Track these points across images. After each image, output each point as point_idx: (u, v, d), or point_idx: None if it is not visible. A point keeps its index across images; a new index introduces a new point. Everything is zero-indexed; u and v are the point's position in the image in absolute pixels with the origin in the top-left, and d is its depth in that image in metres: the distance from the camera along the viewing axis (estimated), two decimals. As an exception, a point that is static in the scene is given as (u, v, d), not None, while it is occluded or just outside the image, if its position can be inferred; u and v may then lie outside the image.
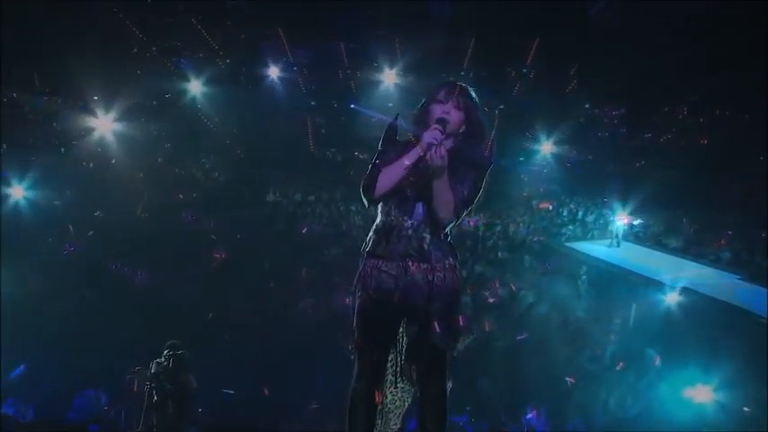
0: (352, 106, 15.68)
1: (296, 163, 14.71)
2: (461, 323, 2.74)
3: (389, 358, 2.81)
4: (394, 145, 2.71)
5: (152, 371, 5.62)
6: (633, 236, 12.37)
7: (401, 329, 2.76)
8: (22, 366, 8.09)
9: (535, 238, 12.08)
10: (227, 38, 14.15)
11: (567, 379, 7.87)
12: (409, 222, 2.63)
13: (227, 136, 14.72)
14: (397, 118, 2.80)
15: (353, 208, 13.11)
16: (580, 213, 13.29)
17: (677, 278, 10.12)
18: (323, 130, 15.67)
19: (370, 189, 2.65)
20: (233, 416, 7.43)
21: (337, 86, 15.19)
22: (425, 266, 2.63)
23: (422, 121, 2.70)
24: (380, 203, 2.70)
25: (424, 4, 13.97)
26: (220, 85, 13.93)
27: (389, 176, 2.62)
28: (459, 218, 2.67)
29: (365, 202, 2.71)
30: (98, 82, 11.89)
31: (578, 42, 13.38)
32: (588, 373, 8.40)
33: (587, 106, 15.71)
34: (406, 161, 2.58)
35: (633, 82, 13.71)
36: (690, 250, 11.85)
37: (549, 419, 7.91)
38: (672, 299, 9.61)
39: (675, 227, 12.34)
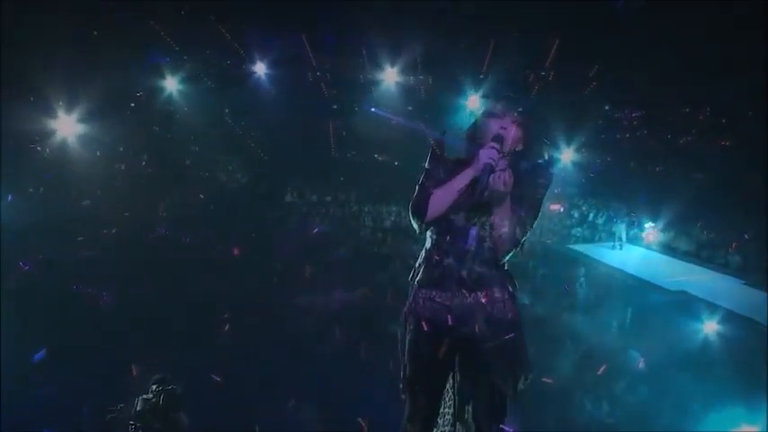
0: (372, 109, 16.09)
1: (316, 165, 15.19)
2: (524, 358, 2.48)
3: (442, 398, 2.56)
4: (442, 163, 2.50)
5: (138, 408, 4.82)
6: (643, 239, 12.26)
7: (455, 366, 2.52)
8: (43, 350, 8.67)
9: (540, 240, 12.14)
10: (249, 41, 14.75)
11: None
12: (464, 248, 2.42)
13: (251, 139, 15.33)
14: (443, 133, 2.58)
15: (366, 209, 13.56)
16: (591, 215, 13.25)
17: (676, 281, 10.11)
18: (344, 133, 16.13)
19: (421, 213, 2.42)
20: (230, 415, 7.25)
21: (358, 89, 15.59)
22: (483, 296, 2.43)
23: (477, 136, 2.48)
24: (431, 227, 2.48)
25: (445, 4, 14.21)
26: (244, 88, 14.54)
27: (442, 199, 2.40)
28: (519, 244, 2.43)
29: (415, 227, 2.48)
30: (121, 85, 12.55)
31: (597, 43, 13.34)
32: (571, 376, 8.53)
33: (606, 108, 15.65)
34: (460, 182, 2.38)
35: (653, 83, 13.58)
36: (698, 254, 11.71)
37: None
38: (668, 303, 9.64)
39: (686, 230, 12.17)
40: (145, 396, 4.89)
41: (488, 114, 2.48)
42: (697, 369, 8.56)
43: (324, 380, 8.27)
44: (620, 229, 11.93)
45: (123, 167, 13.68)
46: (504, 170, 2.30)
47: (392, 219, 13.28)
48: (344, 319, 9.48)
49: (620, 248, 11.83)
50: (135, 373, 7.62)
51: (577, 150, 14.35)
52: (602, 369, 8.51)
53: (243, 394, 7.53)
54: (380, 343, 8.95)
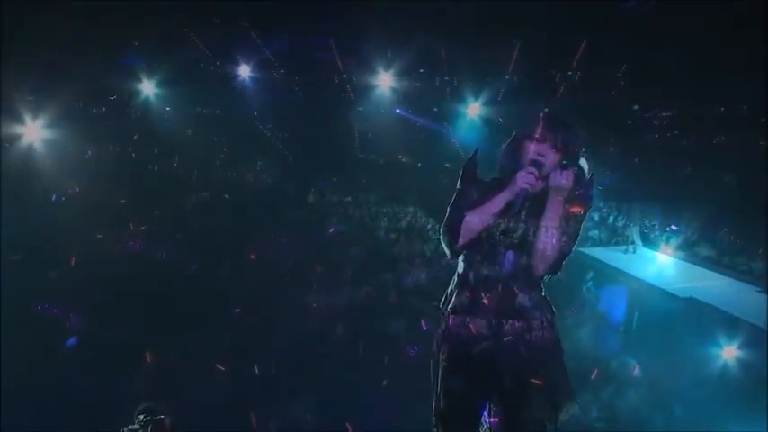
0: (397, 111, 16.29)
1: (339, 166, 15.53)
2: (566, 388, 2.37)
3: None
4: (475, 184, 2.44)
5: None
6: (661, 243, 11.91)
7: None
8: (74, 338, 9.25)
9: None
10: (284, 47, 15.21)
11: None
12: (500, 273, 2.36)
13: (279, 140, 15.81)
14: (476, 153, 2.50)
15: (383, 209, 13.80)
16: (611, 218, 12.97)
17: (687, 287, 9.86)
18: (369, 134, 16.39)
19: (454, 237, 2.35)
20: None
21: (381, 92, 15.79)
22: (521, 324, 2.35)
23: (514, 157, 2.42)
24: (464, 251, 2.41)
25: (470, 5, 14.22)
26: (269, 91, 15.01)
27: (475, 222, 2.33)
28: (559, 267, 2.38)
29: (447, 252, 2.42)
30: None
31: (625, 42, 13.06)
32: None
33: (636, 108, 15.25)
34: (496, 206, 2.32)
35: (685, 82, 13.17)
36: (720, 260, 11.30)
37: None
38: (673, 309, 9.42)
39: (708, 235, 11.75)
40: (131, 427, 4.48)
41: (527, 136, 2.39)
42: (696, 375, 8.41)
43: (321, 378, 8.56)
44: (633, 232, 11.65)
45: (156, 168, 14.50)
46: (566, 169, 2.29)
47: (408, 219, 13.47)
48: (345, 318, 9.76)
49: (634, 252, 11.56)
50: (148, 360, 8.18)
51: (606, 151, 14.06)
52: (594, 374, 8.48)
53: (242, 392, 7.85)
54: (378, 341, 9.26)
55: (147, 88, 12.84)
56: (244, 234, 11.42)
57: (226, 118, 15.16)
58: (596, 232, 12.60)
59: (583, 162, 2.41)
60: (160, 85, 12.86)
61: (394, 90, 15.42)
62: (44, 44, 9.00)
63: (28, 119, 10.08)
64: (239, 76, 14.38)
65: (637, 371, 8.30)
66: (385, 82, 15.14)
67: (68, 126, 10.50)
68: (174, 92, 13.10)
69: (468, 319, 2.36)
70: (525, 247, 2.34)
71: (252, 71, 14.54)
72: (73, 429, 6.64)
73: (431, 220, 13.04)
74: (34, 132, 10.37)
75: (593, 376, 8.41)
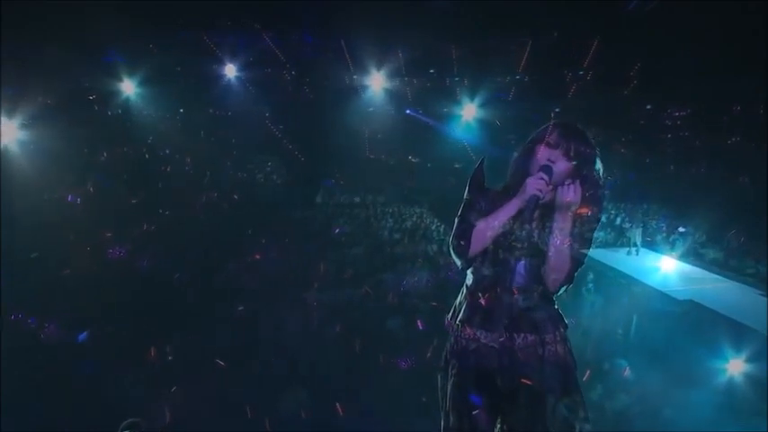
0: (407, 111, 16.38)
1: (349, 166, 15.69)
2: (579, 406, 2.25)
3: None
4: (483, 193, 2.34)
5: None
6: (667, 245, 11.75)
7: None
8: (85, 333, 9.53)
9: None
10: (295, 50, 15.45)
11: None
12: (512, 284, 2.25)
13: (291, 142, 16.04)
14: (483, 162, 2.41)
15: (389, 210, 13.89)
16: (618, 219, 12.82)
17: (687, 290, 9.74)
18: (379, 135, 16.50)
19: (463, 248, 2.25)
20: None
21: (393, 92, 15.89)
22: (533, 338, 2.24)
23: (525, 163, 2.32)
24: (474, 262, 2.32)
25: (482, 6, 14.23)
26: (282, 93, 15.26)
27: (485, 232, 2.23)
28: (572, 278, 2.25)
29: (458, 263, 2.31)
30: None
31: (637, 42, 12.93)
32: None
33: (648, 107, 15.05)
34: (506, 214, 2.22)
35: (697, 82, 12.96)
36: (727, 263, 11.11)
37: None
38: (672, 312, 9.31)
39: (715, 237, 11.55)
40: None
41: (540, 140, 2.29)
42: (694, 379, 8.30)
43: (317, 376, 8.65)
44: (636, 234, 11.47)
45: (168, 169, 14.87)
46: (572, 182, 2.18)
47: (413, 219, 13.54)
48: (342, 317, 9.86)
49: (636, 254, 11.41)
50: (151, 355, 8.37)
51: (618, 151, 13.90)
52: (587, 375, 8.42)
53: (242, 390, 7.64)
54: (375, 340, 9.33)
55: (128, 88, 13.18)
56: (251, 234, 11.58)
57: (234, 119, 15.51)
58: (600, 234, 12.50)
59: (598, 164, 2.29)
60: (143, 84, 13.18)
61: (400, 91, 15.59)
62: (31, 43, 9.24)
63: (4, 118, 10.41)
64: (243, 76, 14.79)
65: (628, 372, 8.20)
66: (390, 83, 15.36)
67: (63, 126, 10.79)
68: (170, 92, 13.44)
69: (478, 333, 2.26)
70: (537, 256, 2.22)
71: (260, 72, 14.94)
72: (73, 429, 6.84)
73: (436, 220, 13.09)
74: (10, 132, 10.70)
75: (585, 378, 8.32)
